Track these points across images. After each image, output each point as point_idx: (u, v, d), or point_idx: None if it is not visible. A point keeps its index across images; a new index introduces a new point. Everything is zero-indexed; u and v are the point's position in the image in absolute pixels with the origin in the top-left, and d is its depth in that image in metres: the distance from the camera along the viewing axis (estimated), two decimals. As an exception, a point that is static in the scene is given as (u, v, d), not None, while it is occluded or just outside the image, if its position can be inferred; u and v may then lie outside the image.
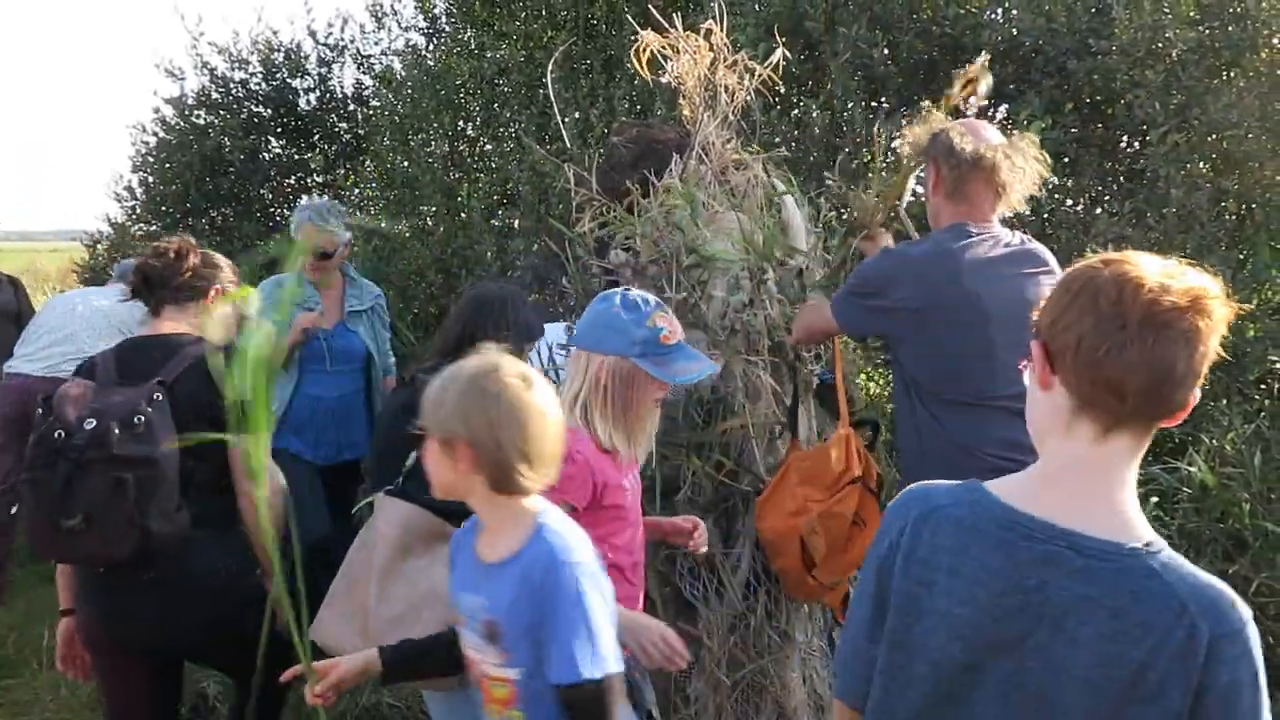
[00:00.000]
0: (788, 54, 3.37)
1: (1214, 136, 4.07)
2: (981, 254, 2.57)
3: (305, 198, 9.46)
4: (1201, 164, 4.18)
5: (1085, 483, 1.30)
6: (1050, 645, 1.26)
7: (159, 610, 2.51)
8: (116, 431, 2.35)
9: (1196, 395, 1.28)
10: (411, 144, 7.21)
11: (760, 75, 3.31)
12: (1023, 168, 2.61)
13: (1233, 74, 4.22)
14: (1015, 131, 2.72)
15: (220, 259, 2.84)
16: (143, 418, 2.39)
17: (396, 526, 2.49)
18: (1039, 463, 1.37)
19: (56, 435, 2.36)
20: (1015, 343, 2.54)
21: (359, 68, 9.35)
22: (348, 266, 4.19)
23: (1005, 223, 2.72)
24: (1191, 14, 4.25)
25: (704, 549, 2.59)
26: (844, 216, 3.36)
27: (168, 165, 8.74)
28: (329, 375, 4.03)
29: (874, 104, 4.80)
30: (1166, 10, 4.17)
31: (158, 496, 2.38)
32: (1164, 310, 1.23)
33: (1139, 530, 1.28)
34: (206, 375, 2.45)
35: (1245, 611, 1.23)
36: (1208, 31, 4.23)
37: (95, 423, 2.35)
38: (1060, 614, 1.26)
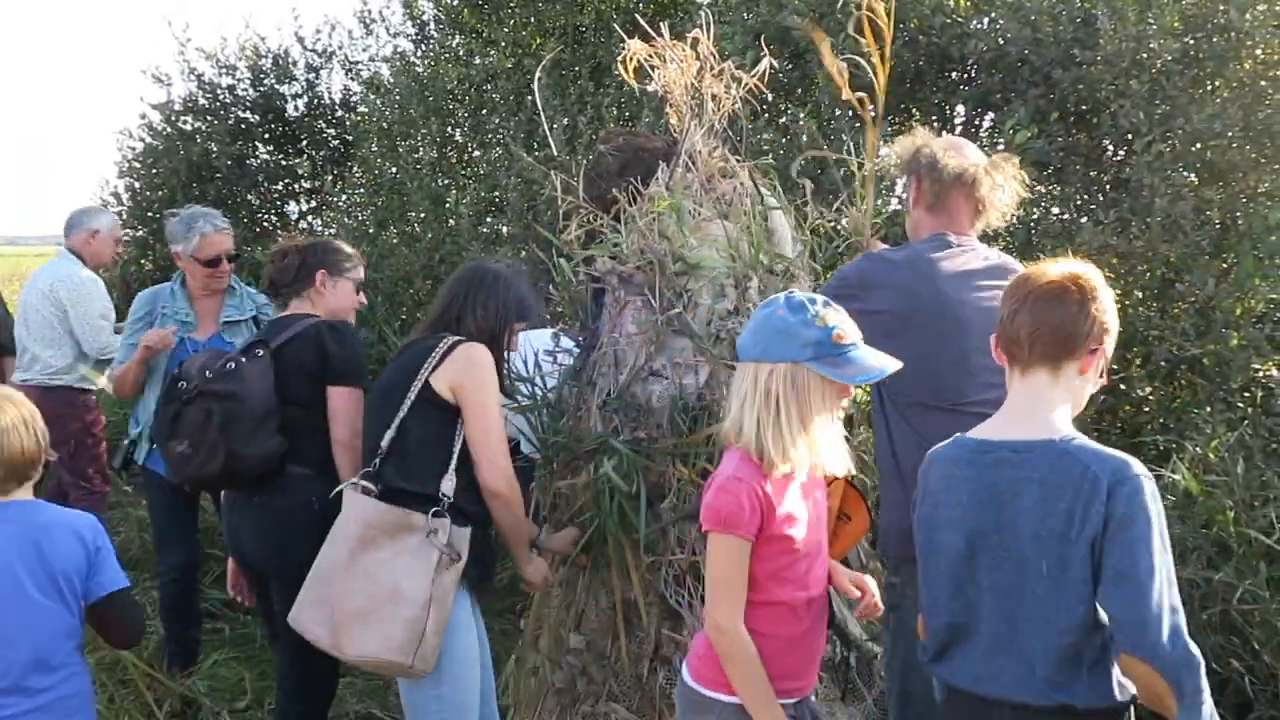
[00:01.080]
0: (774, 62, 3.38)
1: (1198, 146, 4.10)
2: (960, 264, 2.62)
3: (293, 204, 9.45)
4: (1186, 173, 4.21)
5: (1020, 408, 1.93)
6: (1010, 519, 1.84)
7: (255, 529, 3.04)
8: (209, 374, 2.91)
9: (1106, 348, 1.93)
10: (399, 150, 7.21)
11: (747, 84, 3.32)
12: (1002, 185, 2.69)
13: (1216, 84, 4.25)
14: (999, 147, 2.76)
15: (328, 245, 3.24)
16: (233, 364, 2.93)
17: (356, 522, 2.63)
18: (1000, 411, 1.98)
19: (180, 385, 2.95)
20: (989, 350, 2.59)
21: (347, 74, 9.36)
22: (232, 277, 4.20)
23: (985, 237, 2.76)
24: (1175, 25, 4.28)
25: (874, 615, 2.39)
26: (836, 227, 3.37)
27: (154, 171, 8.73)
28: None
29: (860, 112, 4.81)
30: (1151, 21, 4.20)
31: (241, 426, 2.88)
32: (1045, 286, 1.89)
33: (1060, 430, 1.86)
34: (309, 341, 2.98)
35: (1140, 469, 1.75)
36: (1192, 42, 4.25)
37: (203, 373, 2.93)
38: (1011, 495, 1.84)
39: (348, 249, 3.29)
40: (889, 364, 2.09)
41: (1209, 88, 4.26)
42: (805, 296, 2.10)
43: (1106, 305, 1.90)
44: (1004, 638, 1.85)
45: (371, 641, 2.54)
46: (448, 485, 2.62)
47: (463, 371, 2.66)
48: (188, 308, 4.07)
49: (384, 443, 2.69)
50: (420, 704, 2.65)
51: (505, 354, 2.84)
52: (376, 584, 2.56)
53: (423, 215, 6.61)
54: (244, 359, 2.98)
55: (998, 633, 1.85)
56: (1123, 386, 4.02)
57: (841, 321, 2.07)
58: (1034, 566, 1.80)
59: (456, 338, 2.72)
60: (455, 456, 2.65)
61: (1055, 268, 1.91)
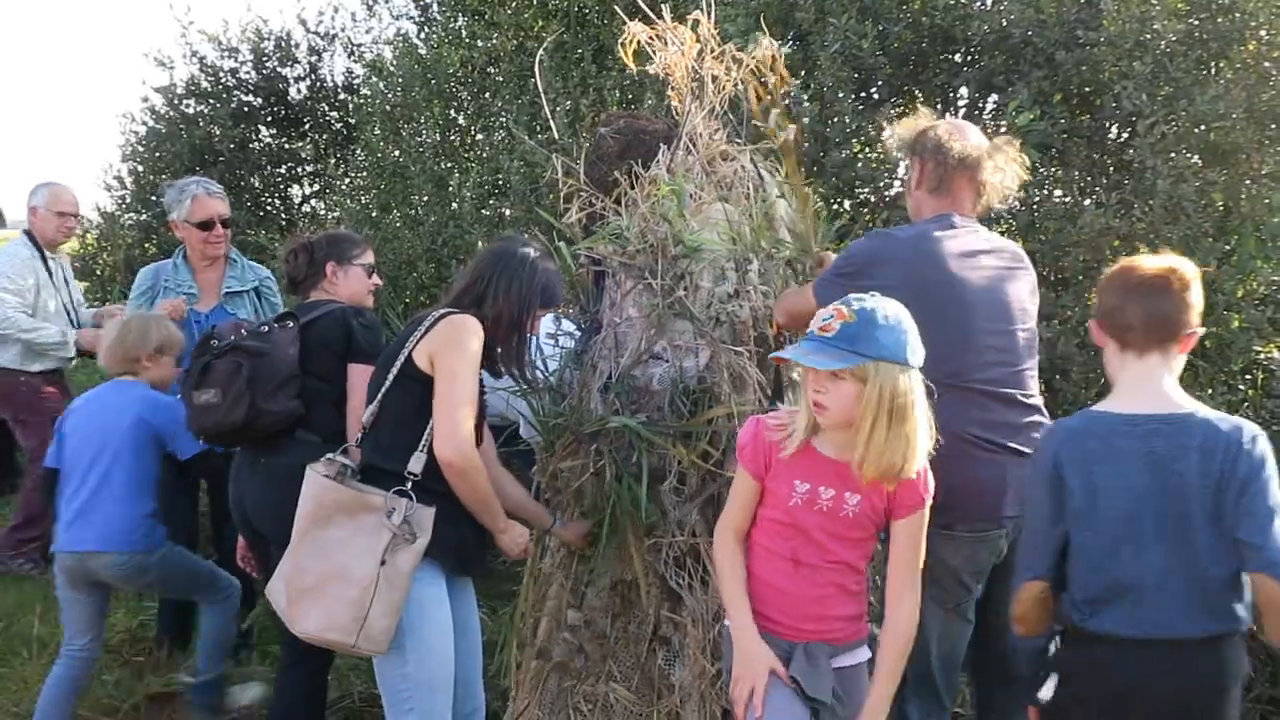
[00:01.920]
0: (776, 44, 3.37)
1: (1201, 128, 4.08)
2: (964, 244, 2.65)
3: (296, 187, 9.45)
4: (1189, 155, 4.19)
5: (1142, 386, 2.21)
6: (1174, 482, 2.12)
7: (259, 490, 3.16)
8: (244, 332, 3.09)
9: (1199, 329, 2.24)
10: (402, 133, 7.19)
11: (749, 66, 3.31)
12: (1003, 169, 2.71)
13: (1220, 66, 4.23)
14: (1002, 128, 2.78)
15: (333, 238, 3.40)
16: (266, 327, 3.13)
17: (309, 499, 2.67)
18: (1117, 388, 2.26)
19: (212, 342, 3.11)
20: (993, 329, 2.60)
21: (350, 56, 9.33)
22: (231, 249, 4.34)
23: (987, 219, 2.78)
24: (1179, 6, 4.26)
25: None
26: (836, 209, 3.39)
27: (157, 154, 8.72)
28: None
29: (863, 94, 4.80)
30: (1154, 2, 4.18)
31: (266, 382, 3.02)
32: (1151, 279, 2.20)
33: (1185, 403, 2.19)
34: (336, 322, 3.13)
35: (1253, 429, 2.14)
36: (1196, 23, 4.23)
37: (237, 335, 3.09)
38: (1171, 460, 2.13)
39: (353, 237, 3.43)
40: (802, 355, 2.18)
41: (1213, 69, 4.24)
42: (856, 296, 2.20)
43: (1197, 292, 2.21)
44: (1167, 584, 2.12)
45: (315, 619, 2.58)
46: (416, 463, 2.63)
47: (440, 341, 2.66)
48: (190, 280, 4.20)
49: (365, 418, 2.72)
50: (389, 680, 2.67)
51: (526, 338, 2.85)
52: (327, 562, 2.59)
53: (425, 198, 6.60)
54: (275, 325, 3.16)
55: (1161, 581, 2.12)
56: (1124, 369, 4.02)
57: (842, 317, 2.15)
58: (1197, 520, 2.11)
59: (447, 310, 2.73)
60: (428, 433, 2.64)
61: (1153, 261, 2.22)
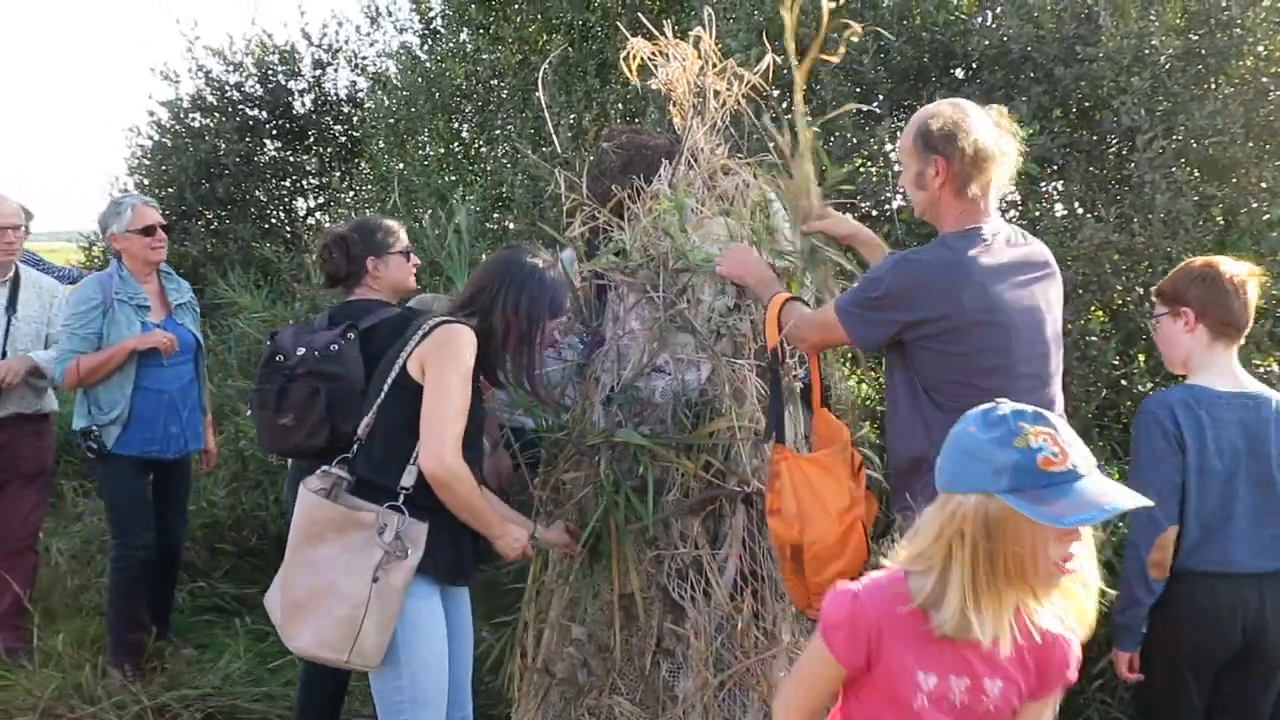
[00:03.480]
0: (777, 59, 3.40)
1: (1200, 142, 4.10)
2: (997, 260, 2.53)
3: (300, 200, 9.49)
4: (1188, 169, 4.21)
5: (1225, 370, 2.73)
6: (1260, 447, 2.66)
7: None
8: (317, 354, 2.99)
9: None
10: (406, 146, 7.23)
11: (750, 81, 3.33)
12: (1010, 148, 2.58)
13: (1219, 81, 4.26)
14: (990, 107, 2.68)
15: (365, 229, 3.33)
16: (336, 346, 3.02)
17: (301, 515, 2.67)
18: (1202, 370, 2.73)
19: (277, 359, 3.02)
20: (1031, 355, 2.54)
21: (354, 70, 9.38)
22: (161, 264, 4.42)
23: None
24: (1177, 21, 4.29)
25: None
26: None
27: (163, 168, 8.77)
28: (165, 369, 4.24)
29: (864, 109, 4.83)
30: (1153, 18, 4.21)
31: (346, 405, 2.91)
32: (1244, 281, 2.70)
33: (1254, 386, 2.74)
34: (394, 328, 3.00)
35: None
36: (1194, 39, 4.26)
37: (304, 350, 2.99)
38: (1256, 428, 2.67)
39: (385, 224, 3.39)
40: (1125, 499, 1.58)
41: (1211, 84, 4.26)
42: (1012, 409, 1.64)
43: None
44: (1254, 528, 2.66)
45: (306, 635, 2.59)
46: (408, 477, 2.63)
47: (432, 349, 2.64)
48: (141, 291, 4.26)
49: (361, 429, 2.72)
50: (382, 693, 2.69)
51: (536, 349, 2.81)
52: (318, 578, 2.60)
53: (429, 211, 6.64)
54: (341, 340, 3.07)
55: (1248, 526, 2.65)
56: (1124, 383, 4.04)
57: (1056, 442, 1.59)
58: (1275, 478, 2.67)
59: (442, 318, 2.71)
60: (419, 446, 2.63)
61: (1238, 265, 2.72)
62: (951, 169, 2.53)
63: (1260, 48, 4.20)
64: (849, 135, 4.55)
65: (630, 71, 3.34)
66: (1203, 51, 4.21)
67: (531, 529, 2.93)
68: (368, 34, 9.52)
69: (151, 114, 9.03)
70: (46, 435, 4.64)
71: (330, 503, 2.63)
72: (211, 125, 8.87)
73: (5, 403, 4.37)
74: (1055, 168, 4.40)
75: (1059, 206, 4.55)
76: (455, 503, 2.63)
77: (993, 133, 2.55)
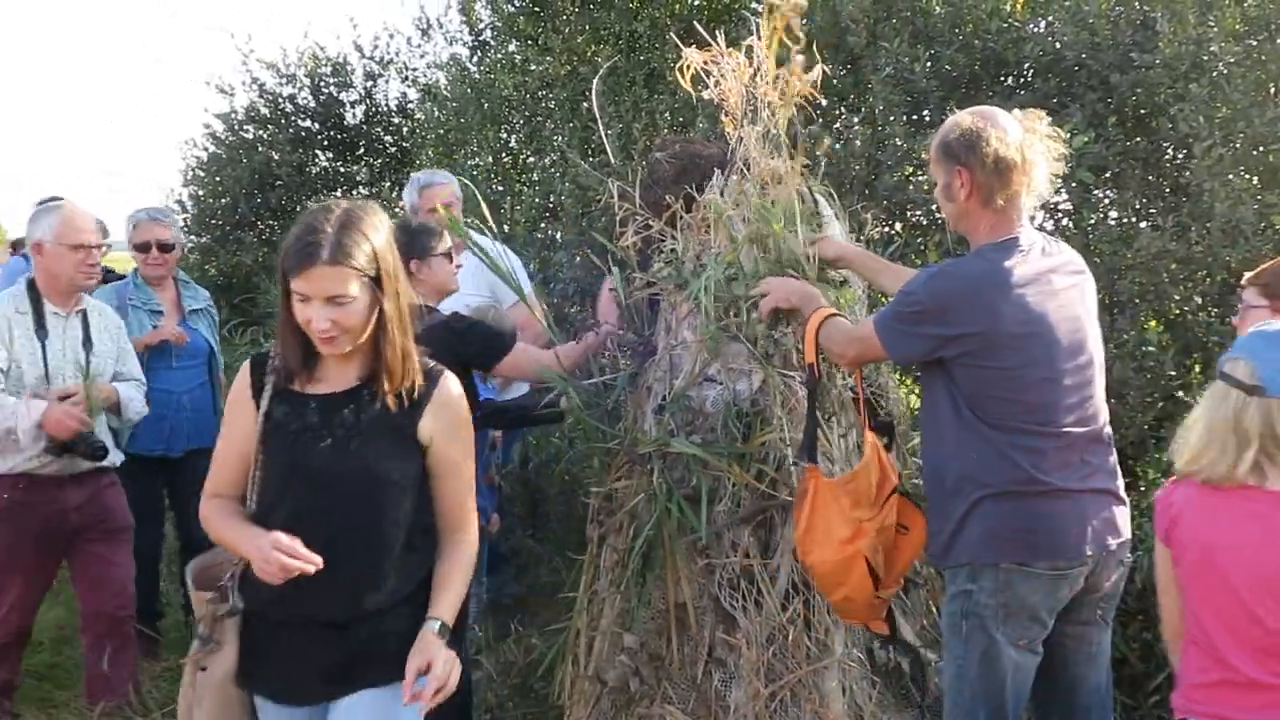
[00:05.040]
0: (828, 68, 3.39)
1: (1260, 149, 4.04)
2: (1034, 269, 2.50)
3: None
4: (1247, 177, 4.15)
5: None
6: None
7: None
8: None
9: None
10: (456, 157, 7.30)
11: (801, 90, 3.33)
12: (1043, 154, 2.53)
13: (1279, 87, 4.19)
14: (1029, 111, 2.65)
15: (409, 232, 3.26)
16: None
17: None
18: None
19: None
20: (1074, 366, 2.50)
21: (404, 81, 9.50)
22: (178, 271, 4.63)
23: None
24: (1237, 27, 4.23)
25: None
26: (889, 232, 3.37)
27: (218, 179, 8.94)
28: (175, 371, 4.37)
29: (915, 118, 4.81)
30: (1211, 24, 4.16)
31: None
32: None
33: None
34: (444, 334, 2.93)
35: None
36: (1254, 44, 4.20)
37: None
38: None
39: (427, 225, 3.41)
40: None
41: (1271, 90, 4.20)
42: None
43: None
44: None
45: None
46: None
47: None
48: (155, 298, 4.45)
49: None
50: None
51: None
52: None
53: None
54: None
55: None
56: (1181, 394, 3.97)
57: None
58: None
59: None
60: None
61: None
62: (976, 179, 2.50)
63: (1323, 53, 4.13)
64: (899, 143, 4.53)
65: (685, 81, 3.35)
66: (1262, 57, 4.15)
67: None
68: (418, 45, 9.65)
69: (207, 126, 9.21)
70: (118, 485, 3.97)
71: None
72: (265, 137, 9.03)
73: (76, 457, 3.63)
74: (1111, 176, 4.35)
75: (1113, 214, 4.50)
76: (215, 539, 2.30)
77: (1017, 140, 2.50)
